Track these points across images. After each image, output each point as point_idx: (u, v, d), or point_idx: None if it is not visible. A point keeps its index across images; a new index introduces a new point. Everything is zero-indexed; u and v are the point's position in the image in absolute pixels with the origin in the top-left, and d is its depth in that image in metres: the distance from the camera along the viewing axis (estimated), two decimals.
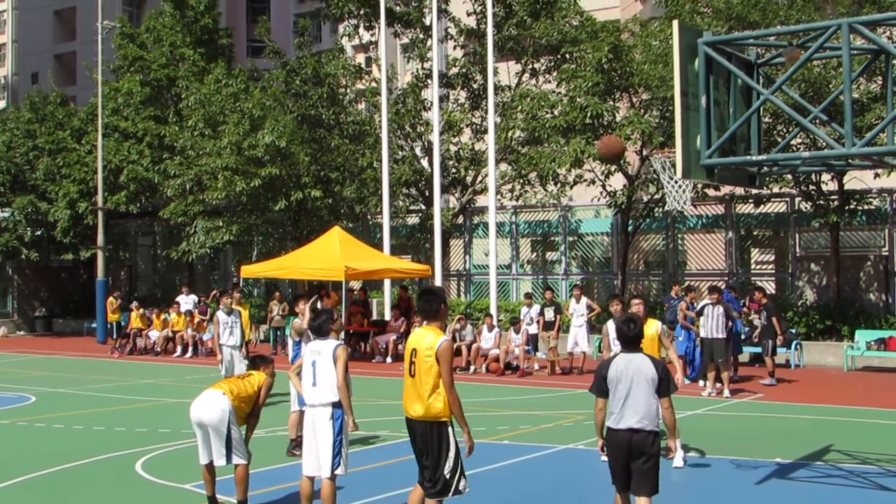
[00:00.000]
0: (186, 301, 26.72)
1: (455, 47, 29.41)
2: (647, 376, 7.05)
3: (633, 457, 7.00)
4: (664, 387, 7.10)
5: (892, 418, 14.11)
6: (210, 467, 8.55)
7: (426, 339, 7.07)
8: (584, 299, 20.93)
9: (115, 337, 26.77)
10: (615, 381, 7.11)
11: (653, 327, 10.68)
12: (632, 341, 7.24)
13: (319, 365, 8.06)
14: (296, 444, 11.24)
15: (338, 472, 7.93)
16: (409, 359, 7.09)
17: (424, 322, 7.29)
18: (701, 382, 17.15)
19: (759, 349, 18.97)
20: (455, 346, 21.15)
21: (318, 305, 12.17)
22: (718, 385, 16.38)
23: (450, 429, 7.08)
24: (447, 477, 7.01)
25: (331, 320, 8.39)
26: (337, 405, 7.96)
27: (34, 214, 32.69)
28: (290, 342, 12.28)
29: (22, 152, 33.79)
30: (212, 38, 33.37)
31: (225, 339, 15.53)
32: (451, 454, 7.05)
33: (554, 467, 10.75)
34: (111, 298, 27.19)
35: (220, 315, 15.61)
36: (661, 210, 24.27)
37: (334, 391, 7.97)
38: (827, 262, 23.16)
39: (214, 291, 25.84)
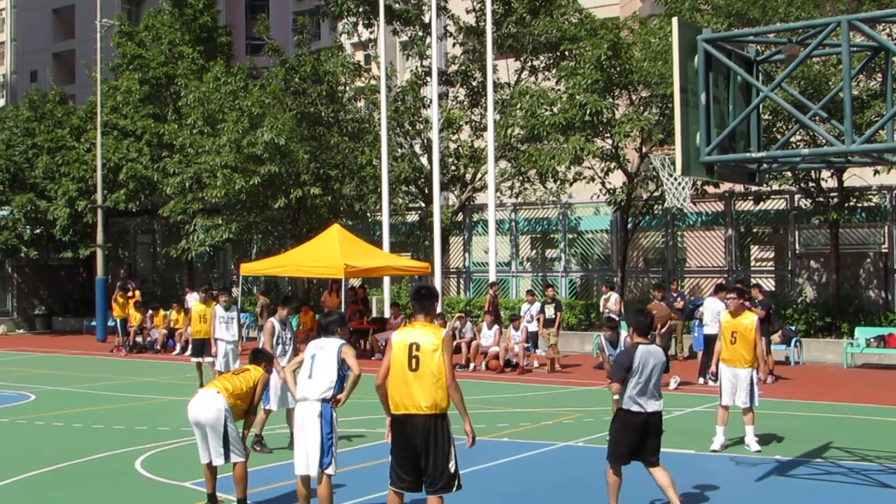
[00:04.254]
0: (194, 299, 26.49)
1: (454, 45, 29.37)
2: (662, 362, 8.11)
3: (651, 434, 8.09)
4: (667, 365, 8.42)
5: (891, 415, 14.11)
6: (211, 465, 8.55)
7: (426, 333, 7.07)
8: (612, 295, 21.65)
9: (120, 335, 26.22)
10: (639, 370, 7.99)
11: (748, 319, 11.23)
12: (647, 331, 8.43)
13: (319, 359, 8.05)
14: (258, 440, 11.32)
15: (328, 471, 7.87)
16: (410, 353, 7.00)
17: (419, 317, 7.22)
18: (700, 380, 17.17)
19: None
20: (455, 343, 21.20)
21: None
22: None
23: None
24: (452, 471, 6.96)
25: (340, 322, 8.40)
26: (327, 402, 7.93)
27: (33, 213, 32.64)
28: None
29: (21, 151, 33.76)
30: (211, 36, 33.32)
31: (220, 334, 15.57)
32: (454, 446, 7.02)
33: (553, 464, 10.75)
34: (118, 294, 26.46)
35: (218, 310, 15.66)
36: (660, 207, 24.27)
37: (328, 387, 7.95)
38: (826, 259, 23.15)
39: (213, 290, 25.67)
